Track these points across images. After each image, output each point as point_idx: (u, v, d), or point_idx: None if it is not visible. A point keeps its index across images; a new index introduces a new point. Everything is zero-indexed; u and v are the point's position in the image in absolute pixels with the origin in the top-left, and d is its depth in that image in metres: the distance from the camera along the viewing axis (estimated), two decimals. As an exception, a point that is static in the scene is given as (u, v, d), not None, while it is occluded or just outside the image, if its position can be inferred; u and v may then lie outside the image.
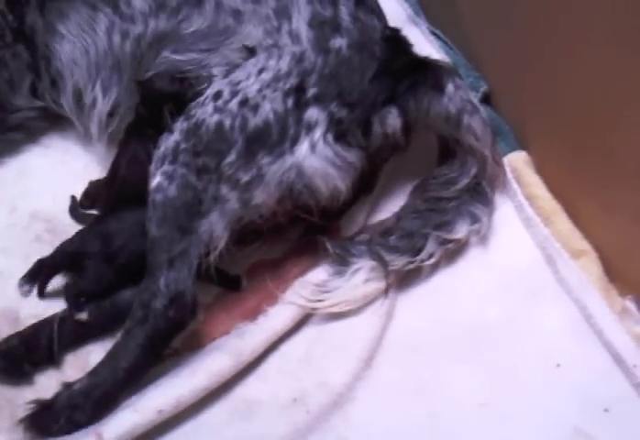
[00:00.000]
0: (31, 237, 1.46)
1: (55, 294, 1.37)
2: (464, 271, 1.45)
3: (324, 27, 1.35)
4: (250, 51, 1.35)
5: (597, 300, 1.37)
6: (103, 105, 1.47)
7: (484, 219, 1.44)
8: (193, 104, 1.32)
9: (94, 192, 1.49)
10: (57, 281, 1.37)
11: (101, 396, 1.23)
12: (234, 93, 1.31)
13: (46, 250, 1.39)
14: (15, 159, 1.56)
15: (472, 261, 1.45)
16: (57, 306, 1.34)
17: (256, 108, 1.29)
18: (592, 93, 1.32)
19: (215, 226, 1.28)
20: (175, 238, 1.27)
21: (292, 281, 1.40)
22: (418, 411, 1.29)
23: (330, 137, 1.31)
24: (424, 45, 1.65)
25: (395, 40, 1.41)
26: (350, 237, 1.45)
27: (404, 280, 1.42)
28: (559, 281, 1.42)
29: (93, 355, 1.32)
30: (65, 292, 1.35)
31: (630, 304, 1.36)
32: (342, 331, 1.37)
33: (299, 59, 1.33)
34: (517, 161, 1.52)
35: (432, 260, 1.41)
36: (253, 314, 1.36)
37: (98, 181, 1.50)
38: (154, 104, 1.38)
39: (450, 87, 1.40)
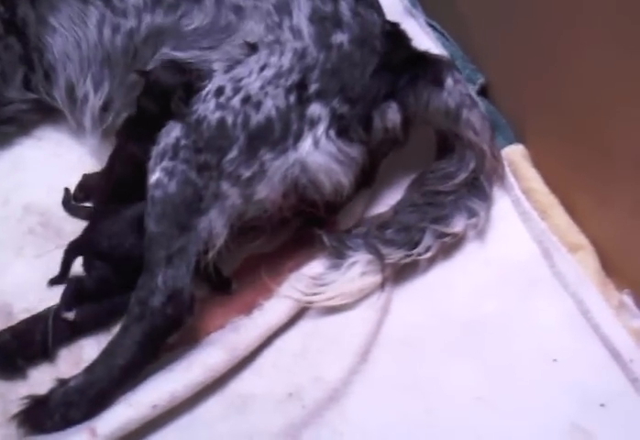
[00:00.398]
0: (24, 230, 1.45)
1: (48, 288, 1.36)
2: (461, 265, 1.44)
3: (325, 23, 1.35)
4: (252, 48, 1.35)
5: (594, 294, 1.36)
6: (95, 100, 1.47)
7: (481, 213, 1.44)
8: (195, 99, 1.31)
9: (89, 185, 1.48)
10: (48, 276, 1.37)
11: (96, 394, 1.23)
12: (236, 90, 1.30)
13: (39, 243, 1.39)
14: (8, 152, 1.55)
15: (469, 255, 1.45)
16: (50, 300, 1.33)
17: (258, 105, 1.29)
18: (591, 87, 1.32)
19: (215, 223, 1.28)
20: (174, 235, 1.26)
21: (288, 275, 1.39)
22: (414, 405, 1.29)
23: (333, 133, 1.31)
24: (422, 37, 1.65)
25: (395, 35, 1.41)
26: (347, 230, 1.44)
27: (401, 274, 1.42)
28: (556, 276, 1.42)
29: (86, 349, 1.31)
30: (66, 286, 1.34)
31: (627, 299, 1.36)
32: (338, 325, 1.36)
33: (301, 55, 1.32)
34: (514, 155, 1.52)
35: (429, 254, 1.40)
36: (248, 309, 1.35)
37: (92, 174, 1.49)
38: (160, 94, 1.36)
39: (449, 81, 1.40)
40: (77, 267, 1.37)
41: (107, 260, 1.33)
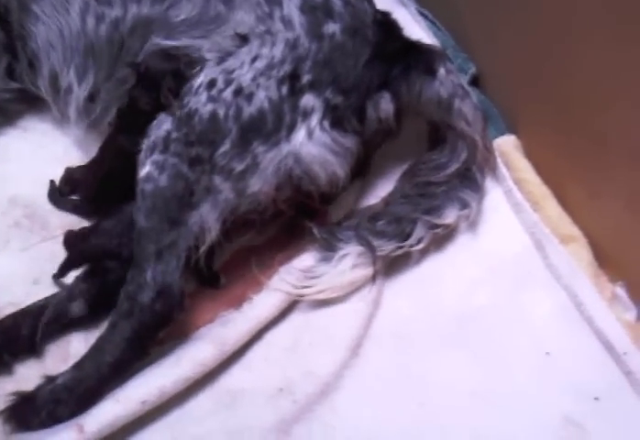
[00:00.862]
0: (10, 223, 1.43)
1: (34, 282, 1.35)
2: (452, 257, 1.44)
3: (316, 13, 1.33)
4: (243, 39, 1.32)
5: (587, 286, 1.36)
6: (79, 90, 1.44)
7: (473, 204, 1.43)
8: (186, 90, 1.30)
9: (74, 179, 1.46)
10: (34, 269, 1.35)
11: (85, 391, 1.21)
12: (228, 82, 1.28)
13: (25, 236, 1.37)
14: (-8, 143, 1.53)
15: (461, 247, 1.44)
16: (36, 295, 1.31)
17: (250, 97, 1.27)
18: (584, 76, 1.31)
19: (207, 218, 1.26)
20: (164, 230, 1.25)
21: (278, 268, 1.38)
22: (406, 399, 1.28)
23: (327, 124, 1.30)
24: (413, 26, 1.63)
25: (386, 24, 1.40)
26: (338, 223, 1.43)
27: (392, 267, 1.41)
28: (549, 267, 1.41)
29: (74, 344, 1.30)
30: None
31: (620, 291, 1.35)
32: (329, 319, 1.36)
33: (293, 45, 1.31)
34: (506, 145, 1.51)
35: (420, 245, 1.40)
36: (238, 302, 1.34)
37: (76, 167, 1.47)
38: (151, 85, 1.34)
39: (442, 71, 1.39)
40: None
41: (119, 259, 1.31)
